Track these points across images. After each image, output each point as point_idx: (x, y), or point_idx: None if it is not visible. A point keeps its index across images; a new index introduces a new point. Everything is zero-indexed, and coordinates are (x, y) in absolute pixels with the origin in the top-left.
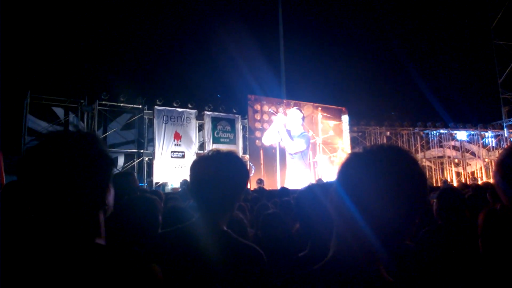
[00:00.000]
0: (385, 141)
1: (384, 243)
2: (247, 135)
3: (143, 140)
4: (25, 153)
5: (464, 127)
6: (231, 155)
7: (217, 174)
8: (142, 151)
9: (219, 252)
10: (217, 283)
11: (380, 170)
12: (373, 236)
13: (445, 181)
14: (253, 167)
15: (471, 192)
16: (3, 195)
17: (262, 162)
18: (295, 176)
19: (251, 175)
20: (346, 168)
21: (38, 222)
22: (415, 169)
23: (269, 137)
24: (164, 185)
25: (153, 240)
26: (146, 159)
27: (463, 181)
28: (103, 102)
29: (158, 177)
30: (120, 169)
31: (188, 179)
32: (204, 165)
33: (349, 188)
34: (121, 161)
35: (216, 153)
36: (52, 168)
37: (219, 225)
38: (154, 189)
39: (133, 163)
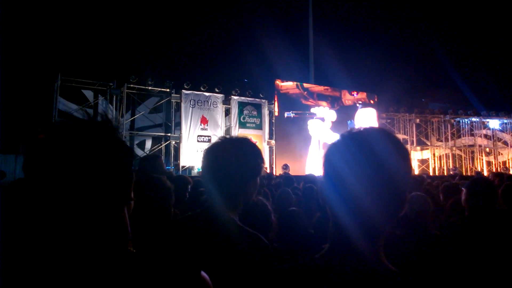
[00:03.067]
0: (414, 129)
1: (373, 230)
2: (273, 120)
3: (170, 124)
4: (35, 149)
5: (497, 115)
6: (243, 141)
7: (228, 161)
8: (169, 134)
9: (221, 240)
10: (219, 270)
11: (361, 156)
12: (363, 224)
13: (478, 173)
14: (289, 166)
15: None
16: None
17: (288, 147)
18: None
19: (287, 171)
20: (329, 156)
21: (58, 229)
22: (396, 153)
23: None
24: (190, 168)
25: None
26: (173, 142)
27: (494, 170)
28: (132, 86)
29: (184, 161)
30: (147, 152)
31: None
32: (215, 153)
33: (334, 175)
34: (148, 144)
35: (227, 140)
36: (68, 161)
37: (226, 212)
38: (180, 173)
39: (160, 146)
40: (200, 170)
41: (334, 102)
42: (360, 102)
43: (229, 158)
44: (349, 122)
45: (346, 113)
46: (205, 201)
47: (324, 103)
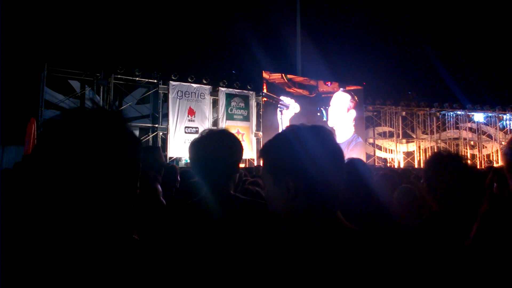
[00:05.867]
0: (400, 121)
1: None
2: (261, 112)
3: (157, 115)
4: (46, 133)
5: (481, 108)
6: (224, 132)
7: (216, 151)
8: (156, 125)
9: (234, 213)
10: (237, 240)
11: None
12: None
13: None
14: None
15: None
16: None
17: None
18: None
19: None
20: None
21: (64, 216)
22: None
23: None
24: (178, 160)
25: (169, 216)
26: (161, 133)
27: (478, 164)
28: (119, 76)
29: (172, 152)
30: None
31: (188, 159)
32: (202, 145)
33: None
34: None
35: (211, 133)
36: (80, 149)
37: (227, 191)
38: (169, 163)
39: (148, 138)
40: (188, 162)
41: (312, 90)
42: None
43: (220, 148)
44: (322, 109)
45: (320, 100)
46: (201, 189)
47: (304, 91)
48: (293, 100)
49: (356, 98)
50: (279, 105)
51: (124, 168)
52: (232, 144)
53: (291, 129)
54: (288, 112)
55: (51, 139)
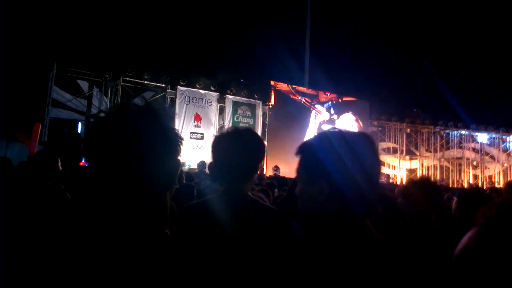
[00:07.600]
0: (404, 138)
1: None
2: (267, 121)
3: None
4: (94, 127)
5: (485, 129)
6: (249, 131)
7: (238, 149)
8: None
9: (248, 215)
10: (248, 241)
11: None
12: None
13: (470, 184)
14: (279, 168)
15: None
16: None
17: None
18: None
19: (277, 173)
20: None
21: (102, 208)
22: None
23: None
24: (181, 165)
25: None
26: None
27: (480, 184)
28: (127, 79)
29: None
30: None
31: (211, 155)
32: (226, 141)
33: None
34: None
35: (235, 130)
36: (125, 142)
37: (244, 192)
38: None
39: None
40: (191, 167)
41: (313, 98)
42: (333, 101)
43: (238, 147)
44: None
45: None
46: (210, 186)
47: (305, 99)
48: (324, 109)
49: (361, 123)
50: (315, 111)
51: (167, 164)
52: (252, 144)
53: (331, 133)
54: (320, 117)
55: (102, 134)
